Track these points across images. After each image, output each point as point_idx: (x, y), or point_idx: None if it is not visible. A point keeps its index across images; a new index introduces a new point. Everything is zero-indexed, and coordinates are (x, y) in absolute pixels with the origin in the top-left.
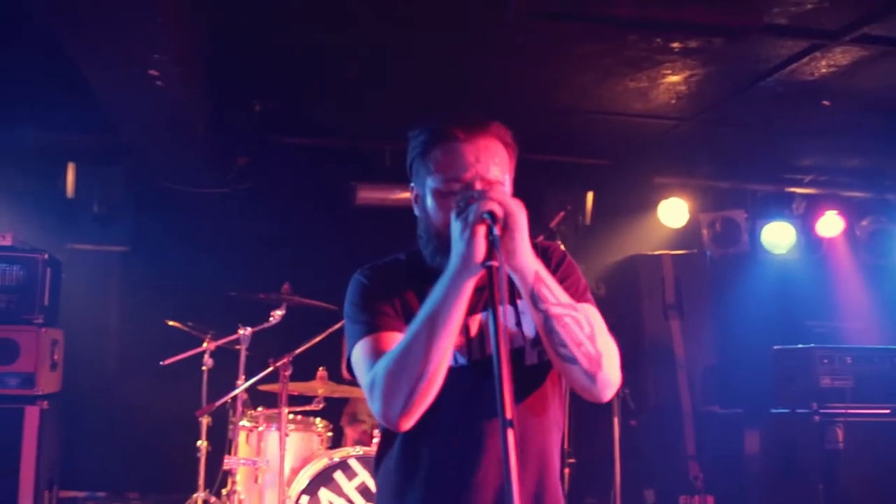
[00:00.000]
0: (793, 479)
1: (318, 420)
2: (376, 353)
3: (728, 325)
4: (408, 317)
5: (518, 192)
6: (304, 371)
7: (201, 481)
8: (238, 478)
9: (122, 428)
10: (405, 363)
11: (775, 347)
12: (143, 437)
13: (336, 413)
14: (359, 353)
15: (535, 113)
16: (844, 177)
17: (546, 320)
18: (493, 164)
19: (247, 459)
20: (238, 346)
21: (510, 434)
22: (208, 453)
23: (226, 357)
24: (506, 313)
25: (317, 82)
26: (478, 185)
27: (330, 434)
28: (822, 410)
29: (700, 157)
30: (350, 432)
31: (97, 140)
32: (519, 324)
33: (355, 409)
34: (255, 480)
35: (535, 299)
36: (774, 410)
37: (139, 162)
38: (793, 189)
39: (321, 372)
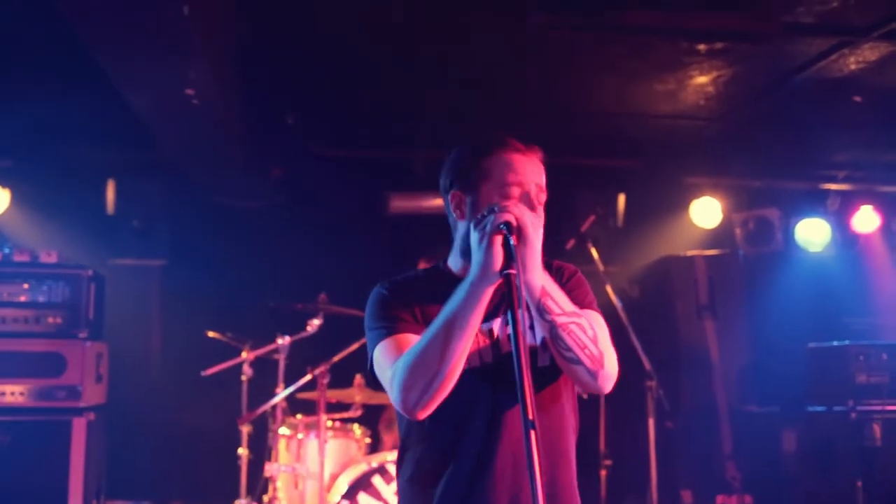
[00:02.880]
0: (830, 478)
1: (355, 426)
2: (397, 351)
3: (763, 324)
4: (427, 323)
5: (549, 195)
6: (341, 379)
7: (243, 489)
8: (279, 484)
9: (164, 438)
10: (423, 360)
11: (811, 345)
12: (184, 447)
13: (374, 419)
14: (380, 354)
15: (564, 116)
16: (880, 171)
17: (552, 329)
18: (541, 181)
19: (287, 466)
20: (276, 356)
21: (533, 435)
22: (249, 461)
23: (264, 367)
24: (512, 324)
25: (347, 93)
26: (531, 196)
27: (368, 440)
28: (858, 408)
29: (731, 156)
30: (388, 438)
31: (135, 155)
32: (532, 328)
33: (392, 416)
34: (296, 486)
35: (542, 311)
36: (811, 408)
37: (177, 176)
38: (827, 185)
39: (358, 379)
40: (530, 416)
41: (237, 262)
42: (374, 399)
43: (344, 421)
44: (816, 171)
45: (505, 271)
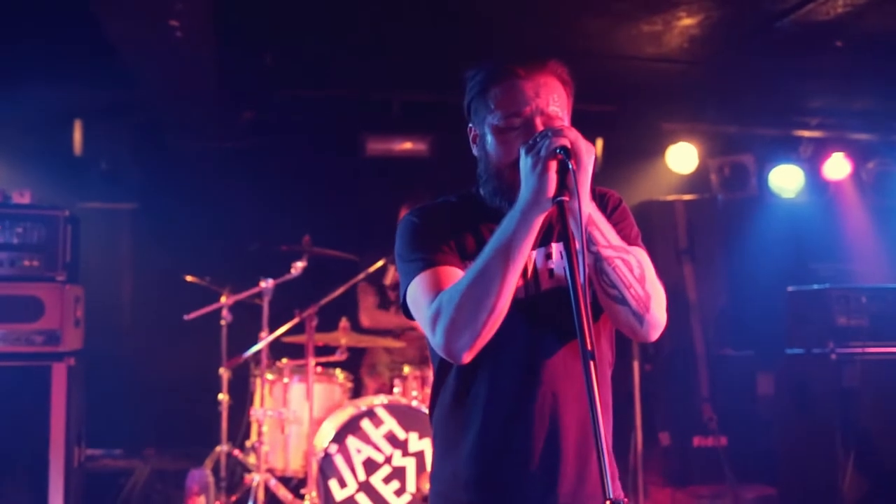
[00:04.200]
0: (808, 420)
1: (338, 371)
2: (436, 286)
3: (739, 268)
4: (462, 255)
5: None
6: (324, 322)
7: (223, 434)
8: (264, 429)
9: (140, 384)
10: (473, 295)
11: (790, 289)
12: (161, 393)
13: (355, 364)
14: (417, 289)
15: (544, 57)
16: (851, 119)
17: (597, 262)
18: (552, 99)
19: (273, 411)
20: (258, 300)
21: (592, 366)
22: (229, 407)
23: (242, 311)
24: (567, 251)
25: (324, 31)
26: (538, 120)
27: (350, 385)
28: (838, 350)
29: (708, 102)
30: (370, 383)
31: (103, 96)
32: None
33: (374, 360)
34: (282, 431)
35: (588, 241)
36: (789, 351)
37: (147, 118)
38: (800, 132)
39: (343, 322)
40: (588, 347)
41: (211, 206)
42: (363, 342)
43: (325, 365)
44: (790, 117)
45: (559, 198)
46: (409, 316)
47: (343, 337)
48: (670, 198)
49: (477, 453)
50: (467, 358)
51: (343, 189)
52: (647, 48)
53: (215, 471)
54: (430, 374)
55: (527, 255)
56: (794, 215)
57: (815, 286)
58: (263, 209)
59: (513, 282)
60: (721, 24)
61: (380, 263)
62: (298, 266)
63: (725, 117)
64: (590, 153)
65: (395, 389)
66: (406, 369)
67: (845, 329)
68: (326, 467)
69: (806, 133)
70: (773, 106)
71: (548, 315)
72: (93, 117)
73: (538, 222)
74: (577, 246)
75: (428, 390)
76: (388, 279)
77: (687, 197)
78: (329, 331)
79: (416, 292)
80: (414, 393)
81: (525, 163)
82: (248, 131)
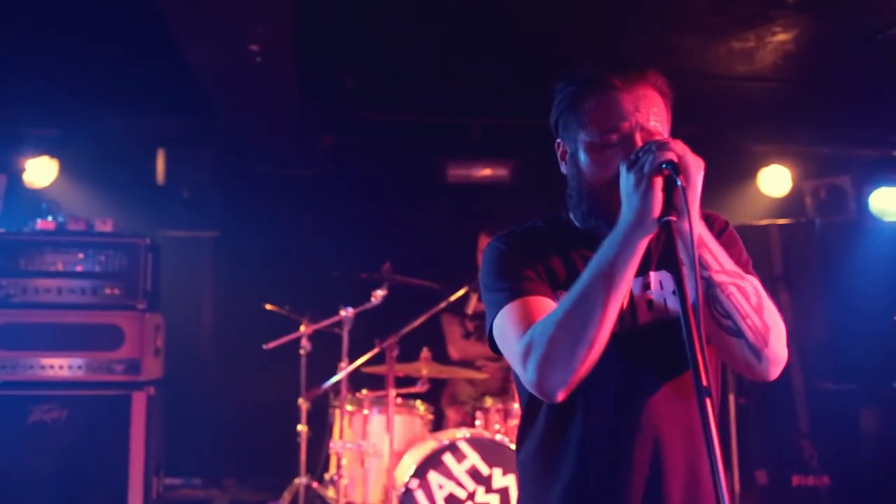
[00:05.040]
0: None
1: (418, 402)
2: (527, 318)
3: (839, 296)
4: (553, 284)
5: None
6: (405, 352)
7: (302, 466)
8: (344, 462)
9: (218, 414)
10: (569, 327)
11: None
12: (240, 423)
13: (435, 396)
14: (505, 321)
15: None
16: None
17: (709, 288)
18: (653, 114)
19: (353, 443)
20: (337, 330)
21: (709, 404)
22: (308, 438)
23: (322, 340)
24: (676, 276)
25: (404, 54)
26: (637, 137)
27: (431, 417)
28: None
29: (801, 121)
30: (451, 414)
31: (185, 124)
32: (676, 293)
33: (455, 391)
34: (361, 464)
35: (700, 266)
36: None
37: (227, 145)
38: None
39: (425, 353)
40: (704, 383)
41: (291, 233)
42: (444, 373)
43: (406, 397)
44: (888, 137)
45: (665, 218)
46: (495, 350)
47: (424, 368)
48: (764, 222)
49: (571, 500)
50: (562, 396)
51: (423, 216)
52: (739, 66)
53: (293, 503)
54: (514, 407)
55: (629, 283)
56: None
57: None
58: (343, 236)
59: (614, 312)
60: (817, 39)
61: (462, 292)
62: (379, 294)
63: (819, 138)
64: (699, 169)
65: (477, 422)
66: (488, 401)
67: None
68: (407, 502)
69: None
70: (870, 125)
71: (646, 350)
72: (175, 145)
73: (642, 246)
74: (688, 271)
75: (512, 423)
76: (471, 308)
77: (782, 221)
78: (410, 361)
79: (504, 324)
80: (497, 426)
81: (627, 180)
82: (327, 157)
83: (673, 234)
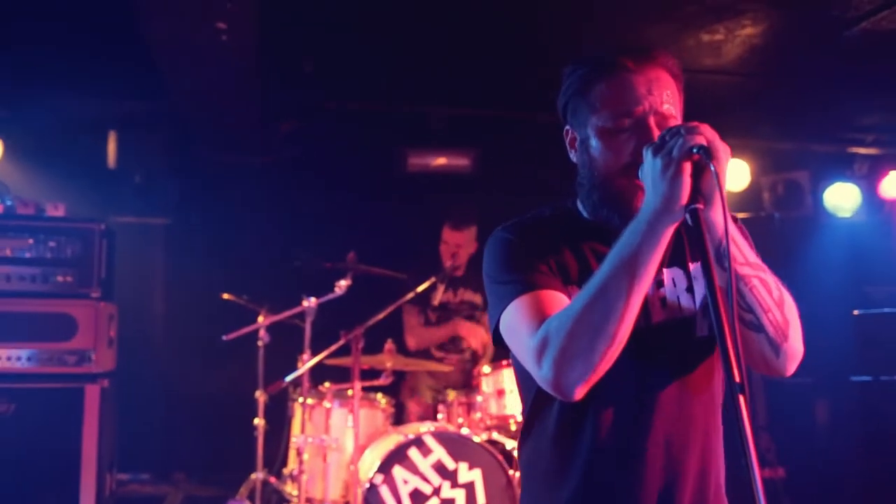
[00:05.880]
0: (877, 451)
1: (379, 395)
2: (540, 313)
3: (795, 290)
4: (565, 278)
5: (566, 157)
6: (367, 344)
7: (259, 461)
8: (305, 457)
9: (169, 407)
10: (589, 321)
11: (856, 312)
12: (193, 416)
13: (394, 388)
14: (515, 315)
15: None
16: None
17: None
18: (666, 96)
19: (315, 437)
20: (299, 321)
21: (742, 401)
22: (265, 432)
23: (280, 331)
24: (705, 267)
25: (365, 42)
26: (651, 121)
27: (392, 410)
28: None
29: (761, 116)
30: (413, 407)
31: (139, 107)
32: (690, 289)
33: (416, 383)
34: (324, 459)
35: (722, 257)
36: (855, 378)
37: (183, 129)
38: (855, 149)
39: (389, 345)
40: (737, 379)
41: (248, 222)
42: (410, 366)
43: (366, 390)
44: (845, 134)
45: (692, 206)
46: (499, 345)
47: (389, 360)
48: None
49: (581, 501)
50: (580, 394)
51: (384, 205)
52: (706, 59)
53: (251, 499)
54: (477, 400)
55: (653, 274)
56: (851, 235)
57: (887, 310)
58: (302, 225)
59: (636, 306)
60: (785, 32)
61: (428, 283)
62: (342, 284)
63: (779, 133)
64: (727, 155)
65: (440, 415)
66: (451, 394)
67: None
68: (372, 498)
69: (861, 150)
70: (828, 121)
71: (658, 349)
72: (127, 128)
73: (668, 235)
74: (726, 263)
75: (475, 416)
76: (437, 299)
77: (741, 215)
78: (373, 353)
79: (516, 318)
80: (460, 420)
81: (654, 166)
82: (285, 144)
83: (700, 222)
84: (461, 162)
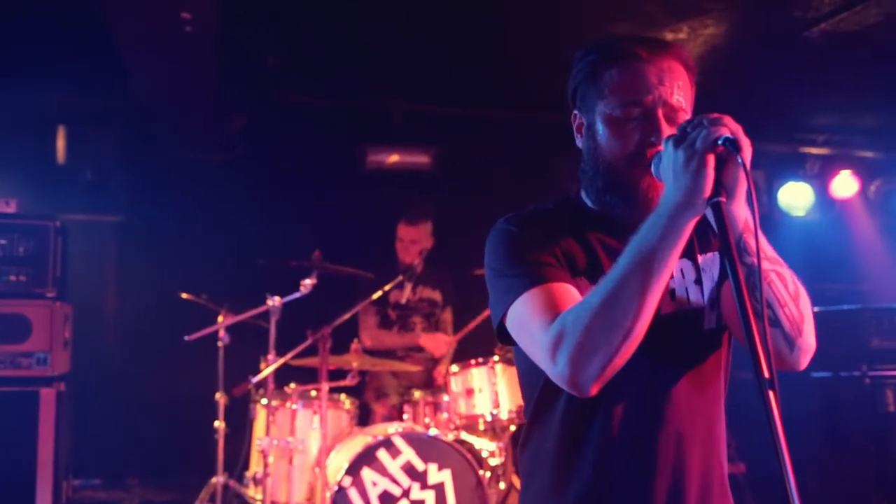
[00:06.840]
0: (838, 446)
1: (343, 396)
2: (553, 307)
3: None
4: (573, 270)
5: (525, 156)
6: (333, 344)
7: (220, 464)
8: (270, 459)
9: (124, 410)
10: (607, 316)
11: (816, 309)
12: (149, 420)
13: (358, 389)
14: (525, 310)
15: (552, 67)
16: (857, 136)
17: (750, 275)
18: (677, 87)
19: (280, 440)
20: (263, 322)
21: (772, 396)
22: (225, 435)
23: (239, 331)
24: (730, 262)
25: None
26: (660, 112)
27: (357, 411)
28: (871, 373)
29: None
30: (378, 408)
31: (90, 101)
32: (699, 281)
33: (381, 384)
34: (289, 462)
35: (742, 251)
36: (815, 374)
37: (137, 124)
38: (807, 149)
39: (355, 345)
40: (766, 375)
41: (204, 219)
42: (378, 366)
43: (331, 391)
44: (798, 134)
45: (715, 199)
46: (504, 341)
47: (355, 360)
48: None
49: (589, 498)
50: (595, 389)
51: (344, 203)
52: None
53: (211, 503)
54: (443, 399)
55: (673, 269)
56: (805, 234)
57: (846, 307)
58: (259, 222)
59: (655, 300)
60: (747, 32)
61: (396, 281)
62: (307, 283)
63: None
64: (749, 148)
65: (405, 416)
66: (417, 394)
67: (879, 351)
68: (340, 501)
69: (813, 150)
70: (783, 121)
71: (668, 342)
72: (78, 123)
73: (689, 229)
74: (745, 258)
75: (442, 416)
76: (404, 298)
77: None
78: (338, 353)
79: (525, 313)
80: (427, 420)
81: (675, 158)
82: (241, 140)
83: (723, 215)
84: (421, 159)
